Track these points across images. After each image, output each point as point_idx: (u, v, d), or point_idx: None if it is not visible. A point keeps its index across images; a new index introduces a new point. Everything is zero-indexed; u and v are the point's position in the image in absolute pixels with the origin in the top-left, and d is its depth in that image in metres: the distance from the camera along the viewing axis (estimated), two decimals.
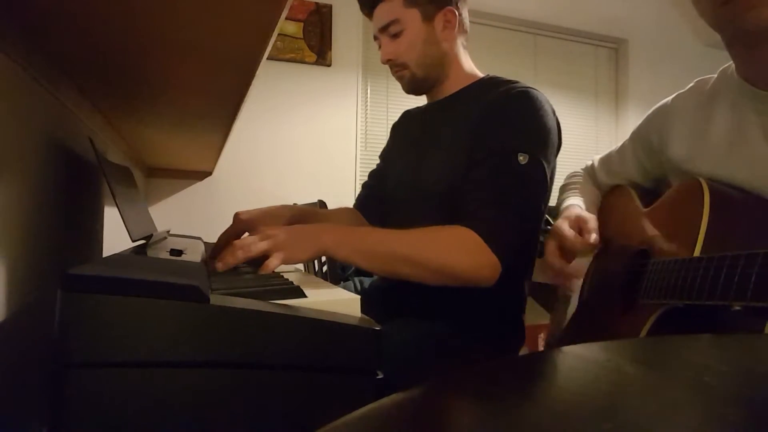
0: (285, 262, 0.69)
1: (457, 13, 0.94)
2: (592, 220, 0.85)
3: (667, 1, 3.30)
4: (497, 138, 0.83)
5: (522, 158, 0.80)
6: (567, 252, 0.84)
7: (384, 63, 0.98)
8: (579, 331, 0.90)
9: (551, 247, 0.86)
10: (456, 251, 0.77)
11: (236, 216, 0.89)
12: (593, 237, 0.82)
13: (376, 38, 0.98)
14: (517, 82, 0.90)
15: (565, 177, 1.11)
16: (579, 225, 0.85)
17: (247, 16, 0.53)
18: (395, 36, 0.94)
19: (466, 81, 0.97)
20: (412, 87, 0.99)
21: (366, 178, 1.18)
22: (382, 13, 0.94)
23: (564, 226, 0.85)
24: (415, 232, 0.78)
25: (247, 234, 0.88)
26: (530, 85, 0.89)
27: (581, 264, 0.94)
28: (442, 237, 0.78)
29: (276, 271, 0.75)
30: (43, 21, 0.55)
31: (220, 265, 0.67)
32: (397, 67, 0.97)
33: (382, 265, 0.77)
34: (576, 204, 0.93)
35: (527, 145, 0.81)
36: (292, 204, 1.18)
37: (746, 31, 0.64)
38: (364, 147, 2.69)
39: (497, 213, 0.78)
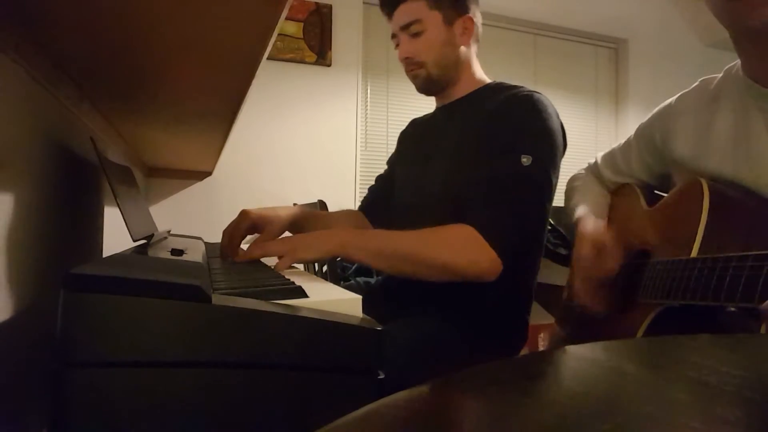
0: (296, 261, 0.76)
1: (475, 21, 0.97)
2: (608, 247, 0.83)
3: (667, 1, 3.30)
4: (501, 139, 0.85)
5: (525, 160, 0.81)
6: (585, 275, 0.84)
7: (401, 60, 0.99)
8: (580, 329, 0.90)
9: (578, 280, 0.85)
10: (454, 247, 0.79)
11: (243, 213, 0.92)
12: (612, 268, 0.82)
13: (394, 36, 1.00)
14: (521, 87, 0.92)
15: (567, 180, 1.10)
16: (597, 249, 0.84)
17: (247, 16, 0.53)
18: (415, 35, 0.96)
19: (474, 86, 1.00)
20: (425, 86, 1.01)
21: (366, 178, 1.20)
22: (404, 12, 0.96)
23: (585, 249, 0.84)
24: (418, 232, 0.81)
25: (256, 235, 0.94)
26: (534, 89, 0.90)
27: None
28: (442, 234, 0.81)
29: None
30: (44, 21, 0.55)
31: (237, 259, 0.81)
32: (413, 66, 0.98)
33: (388, 264, 0.81)
34: (588, 215, 0.91)
35: (531, 147, 0.82)
36: (292, 204, 1.19)
37: (752, 28, 0.64)
38: (364, 147, 2.68)
39: (497, 210, 0.80)
